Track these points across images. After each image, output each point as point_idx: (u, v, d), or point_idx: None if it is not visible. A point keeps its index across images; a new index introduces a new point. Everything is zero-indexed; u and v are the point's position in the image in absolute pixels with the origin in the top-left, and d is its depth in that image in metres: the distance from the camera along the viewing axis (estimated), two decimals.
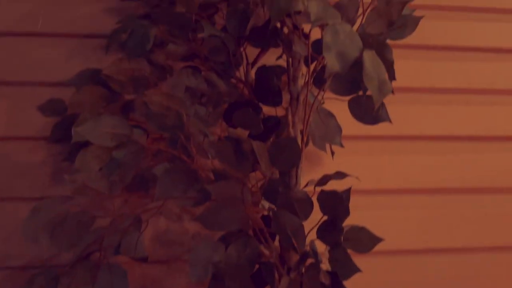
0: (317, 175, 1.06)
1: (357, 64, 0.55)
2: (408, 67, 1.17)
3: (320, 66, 0.88)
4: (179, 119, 0.73)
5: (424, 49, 1.20)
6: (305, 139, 0.85)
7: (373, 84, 0.53)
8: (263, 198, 0.81)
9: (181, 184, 0.78)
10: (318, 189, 0.81)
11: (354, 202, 1.05)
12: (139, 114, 0.89)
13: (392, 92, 0.56)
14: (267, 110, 0.98)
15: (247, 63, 0.97)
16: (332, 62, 0.55)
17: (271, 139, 0.91)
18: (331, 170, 1.07)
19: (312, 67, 0.92)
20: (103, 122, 0.74)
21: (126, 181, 0.78)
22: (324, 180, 0.84)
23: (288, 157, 0.75)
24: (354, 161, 1.08)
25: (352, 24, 0.80)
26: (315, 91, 0.92)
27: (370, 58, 0.54)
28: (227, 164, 0.78)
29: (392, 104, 1.12)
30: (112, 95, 0.85)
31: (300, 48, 0.78)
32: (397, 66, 1.17)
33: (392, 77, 0.57)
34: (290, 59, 0.89)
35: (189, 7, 0.83)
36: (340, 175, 0.83)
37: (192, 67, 0.93)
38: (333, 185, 0.89)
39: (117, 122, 0.75)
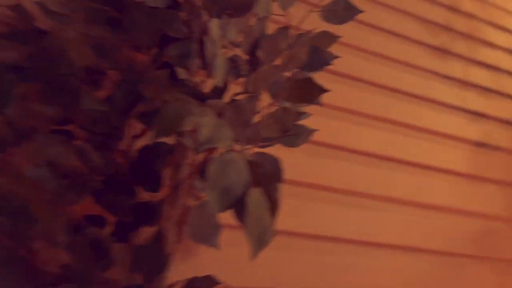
0: (189, 266, 0.98)
1: (241, 201, 0.51)
2: (295, 161, 1.18)
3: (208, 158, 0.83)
4: (25, 206, 0.60)
5: (312, 144, 1.24)
6: (180, 237, 0.78)
7: (253, 233, 0.49)
8: None
9: (15, 282, 0.63)
10: None
11: None
12: None
13: (275, 234, 0.52)
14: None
15: (132, 135, 0.88)
16: (213, 201, 0.49)
17: (142, 229, 0.81)
18: (206, 260, 1.00)
19: (201, 157, 0.87)
20: None
21: None
22: (192, 285, 0.76)
23: (153, 265, 0.66)
24: (230, 253, 1.03)
25: (247, 126, 0.77)
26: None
27: (255, 200, 0.50)
28: (83, 262, 0.66)
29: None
30: None
31: (188, 142, 0.72)
32: (285, 159, 1.19)
33: (275, 218, 0.53)
34: (178, 145, 0.82)
35: (71, 69, 0.72)
36: (209, 281, 0.76)
37: (63, 132, 0.81)
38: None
39: None
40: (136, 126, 0.90)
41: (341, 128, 1.30)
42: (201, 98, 0.70)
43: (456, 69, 1.67)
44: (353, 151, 1.29)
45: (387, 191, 1.27)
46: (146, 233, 0.91)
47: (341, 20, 0.92)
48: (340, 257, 1.15)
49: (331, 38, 0.92)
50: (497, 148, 1.57)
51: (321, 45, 0.90)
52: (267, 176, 0.54)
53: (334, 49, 1.43)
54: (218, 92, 0.81)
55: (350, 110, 1.34)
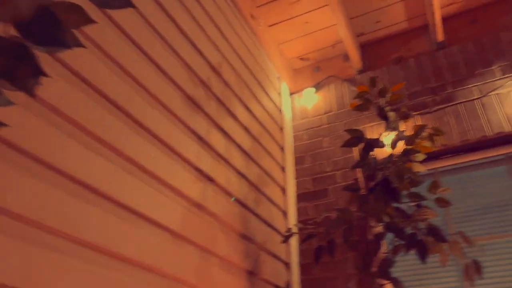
0: None
1: None
2: None
3: None
4: None
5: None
6: None
7: None
8: None
9: None
10: None
11: None
12: None
13: None
14: None
15: None
16: None
17: None
18: None
19: None
20: None
21: None
22: None
23: None
24: None
25: None
26: None
27: None
28: None
29: None
30: None
31: None
32: None
33: None
34: None
35: None
36: None
37: None
38: None
39: None
40: None
41: (50, 138, 1.00)
42: None
43: (202, 126, 1.66)
44: (54, 169, 1.00)
45: (77, 230, 1.02)
46: None
47: (106, 3, 0.70)
48: None
49: (84, 17, 0.67)
50: (209, 213, 1.58)
51: (64, 17, 0.64)
52: None
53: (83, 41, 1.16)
54: None
55: (72, 121, 1.07)
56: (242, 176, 1.91)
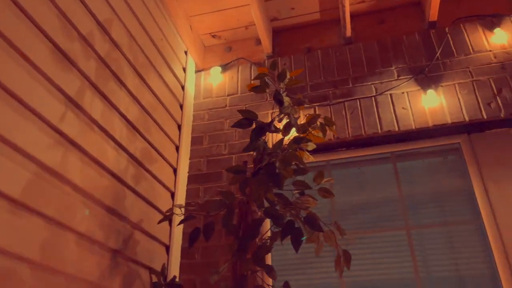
0: None
1: None
2: None
3: None
4: None
5: None
6: None
7: None
8: None
9: None
10: None
11: None
12: None
13: None
14: None
15: None
16: None
17: None
18: None
19: None
20: None
21: None
22: None
23: None
24: None
25: None
26: None
27: None
28: None
29: None
30: None
31: None
32: None
33: None
34: None
35: None
36: None
37: None
38: None
39: None
40: None
41: None
42: None
43: (73, 85, 1.46)
44: None
45: None
46: None
47: None
48: None
49: None
50: (69, 183, 1.40)
51: None
52: None
53: None
54: None
55: None
56: (123, 148, 1.74)
